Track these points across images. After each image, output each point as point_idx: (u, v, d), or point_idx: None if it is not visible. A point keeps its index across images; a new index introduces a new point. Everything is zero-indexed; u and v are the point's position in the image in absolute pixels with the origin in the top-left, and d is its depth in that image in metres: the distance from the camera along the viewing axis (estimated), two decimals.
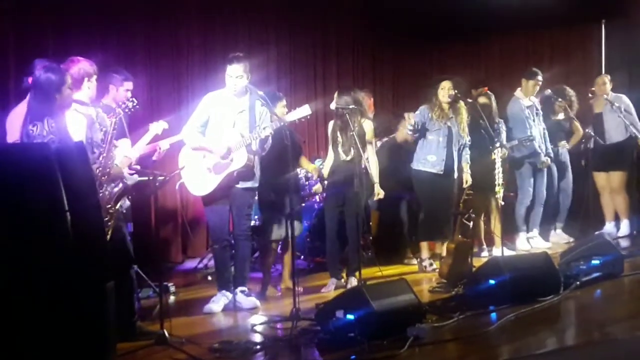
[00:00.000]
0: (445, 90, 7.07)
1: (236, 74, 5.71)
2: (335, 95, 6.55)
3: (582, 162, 8.53)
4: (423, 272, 7.03)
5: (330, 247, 6.58)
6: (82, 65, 5.13)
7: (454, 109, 7.11)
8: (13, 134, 4.61)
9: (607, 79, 8.57)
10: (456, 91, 7.22)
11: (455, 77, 7.29)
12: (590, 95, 8.56)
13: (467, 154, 7.17)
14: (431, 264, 7.09)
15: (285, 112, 6.11)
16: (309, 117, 5.82)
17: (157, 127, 6.02)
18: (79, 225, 3.44)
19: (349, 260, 6.58)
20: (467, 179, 7.09)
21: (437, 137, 7.06)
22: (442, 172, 7.03)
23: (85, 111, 4.96)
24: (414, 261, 7.47)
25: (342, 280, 6.48)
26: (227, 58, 5.76)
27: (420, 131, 7.06)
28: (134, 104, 5.65)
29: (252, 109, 5.81)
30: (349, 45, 10.52)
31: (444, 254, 7.10)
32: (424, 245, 7.24)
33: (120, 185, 5.43)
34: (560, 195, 8.57)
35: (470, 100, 7.68)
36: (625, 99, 8.47)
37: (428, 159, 7.05)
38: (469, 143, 7.19)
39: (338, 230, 6.53)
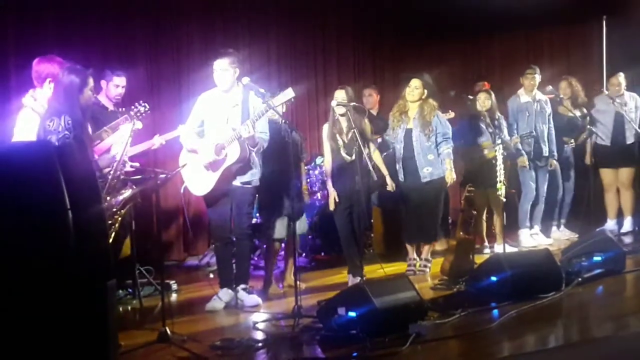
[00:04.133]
0: (411, 88, 6.92)
1: (220, 67, 5.69)
2: (343, 91, 6.47)
3: (590, 159, 8.51)
4: (413, 273, 6.83)
5: (347, 249, 6.49)
6: (47, 65, 5.18)
7: (421, 108, 6.91)
8: None
9: (621, 78, 8.53)
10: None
11: (424, 75, 7.08)
12: (604, 91, 8.57)
13: (447, 149, 6.90)
14: (413, 266, 6.97)
15: (281, 108, 6.04)
16: (293, 100, 5.70)
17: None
18: (80, 223, 3.44)
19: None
20: (450, 175, 6.88)
21: (396, 145, 6.98)
22: (402, 180, 6.91)
23: (42, 110, 5.00)
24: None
25: (364, 278, 6.32)
26: (213, 58, 5.75)
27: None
28: (146, 109, 5.71)
29: (246, 102, 5.78)
30: (349, 42, 10.50)
31: (424, 256, 7.05)
32: (408, 247, 7.13)
33: (129, 191, 5.49)
34: (564, 193, 8.58)
35: (470, 97, 7.70)
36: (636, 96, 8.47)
37: (396, 168, 6.96)
38: (444, 138, 6.92)
39: (351, 231, 6.47)
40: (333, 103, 6.42)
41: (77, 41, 7.24)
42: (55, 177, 3.42)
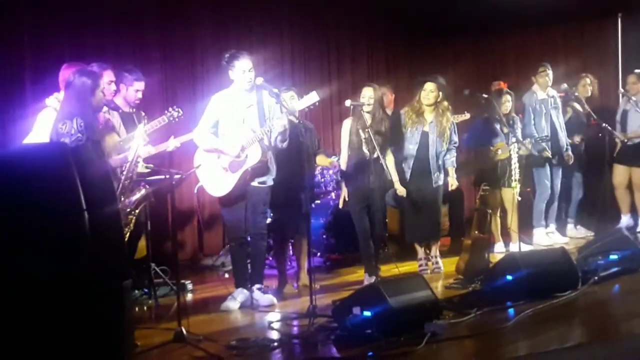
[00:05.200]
0: (427, 92, 6.89)
1: (249, 67, 5.69)
2: (371, 88, 6.49)
3: (607, 157, 8.47)
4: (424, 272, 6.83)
5: (364, 249, 6.49)
6: (67, 71, 5.24)
7: (437, 112, 6.92)
8: None
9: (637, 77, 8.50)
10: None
11: (437, 77, 7.07)
12: (622, 91, 8.53)
13: (452, 157, 6.96)
14: (424, 265, 6.99)
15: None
16: (317, 103, 5.71)
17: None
18: (96, 224, 3.46)
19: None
20: (453, 183, 6.95)
21: (408, 145, 6.93)
22: (407, 180, 6.87)
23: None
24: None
25: (379, 277, 6.35)
26: (230, 55, 5.71)
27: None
28: (179, 114, 5.81)
29: (261, 102, 5.79)
30: (362, 42, 10.51)
31: (433, 253, 7.08)
32: (418, 247, 7.12)
33: (143, 191, 5.52)
34: (574, 190, 8.56)
35: (486, 96, 7.67)
36: None
37: (403, 167, 6.92)
38: (453, 146, 6.99)
39: (369, 229, 6.47)
40: (347, 102, 6.42)
41: (91, 44, 7.28)
42: (71, 178, 3.44)
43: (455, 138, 7.04)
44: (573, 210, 8.67)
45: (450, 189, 7.04)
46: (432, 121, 6.92)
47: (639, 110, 8.23)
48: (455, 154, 7.03)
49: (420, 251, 7.07)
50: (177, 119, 6.01)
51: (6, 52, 6.84)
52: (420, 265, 7.00)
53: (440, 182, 6.96)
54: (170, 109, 6.01)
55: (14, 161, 3.58)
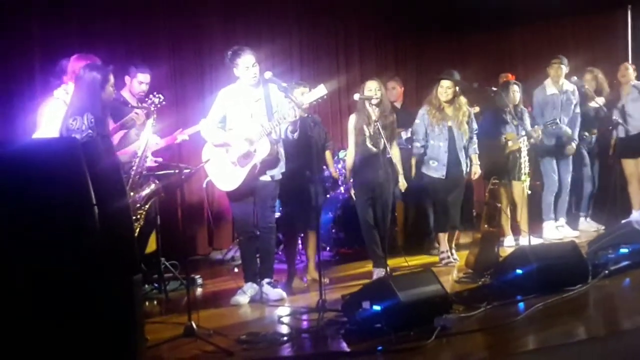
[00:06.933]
0: (444, 89, 6.95)
1: (252, 62, 5.70)
2: (376, 82, 6.51)
3: (610, 151, 8.44)
4: (445, 265, 6.95)
5: (368, 239, 6.51)
6: (82, 63, 5.20)
7: (454, 107, 7.00)
8: None
9: (629, 65, 8.52)
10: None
11: (453, 73, 7.08)
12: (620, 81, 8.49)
13: (474, 145, 7.10)
14: (448, 257, 7.02)
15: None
16: (325, 97, 5.69)
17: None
18: (106, 219, 3.46)
19: None
20: (476, 170, 7.08)
21: (438, 142, 6.99)
22: (444, 177, 6.96)
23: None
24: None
25: (388, 268, 6.33)
26: (232, 52, 5.70)
27: (425, 140, 7.03)
28: (160, 100, 5.67)
29: (268, 96, 5.78)
30: (371, 37, 10.49)
31: (449, 243, 7.13)
32: (441, 237, 7.16)
33: (152, 186, 5.52)
34: (585, 183, 8.53)
35: (494, 89, 7.64)
36: None
37: (431, 164, 6.99)
38: (476, 133, 7.12)
39: (373, 221, 6.48)
40: (356, 96, 6.41)
41: (100, 38, 7.29)
42: (81, 173, 3.44)
43: (475, 125, 7.15)
44: (584, 204, 8.63)
45: (473, 177, 7.16)
46: (451, 115, 7.01)
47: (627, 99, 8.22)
48: (476, 141, 7.14)
49: (444, 243, 7.10)
50: (158, 106, 5.82)
51: (15, 46, 6.86)
52: (442, 259, 7.03)
53: (467, 170, 7.10)
54: (150, 95, 5.84)
55: (24, 156, 3.58)
